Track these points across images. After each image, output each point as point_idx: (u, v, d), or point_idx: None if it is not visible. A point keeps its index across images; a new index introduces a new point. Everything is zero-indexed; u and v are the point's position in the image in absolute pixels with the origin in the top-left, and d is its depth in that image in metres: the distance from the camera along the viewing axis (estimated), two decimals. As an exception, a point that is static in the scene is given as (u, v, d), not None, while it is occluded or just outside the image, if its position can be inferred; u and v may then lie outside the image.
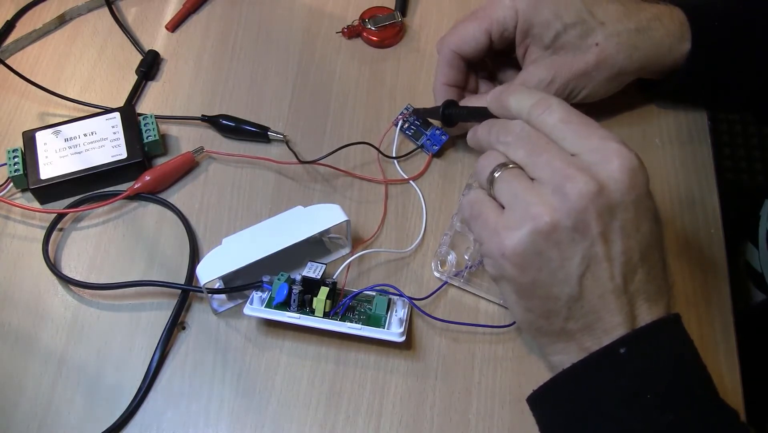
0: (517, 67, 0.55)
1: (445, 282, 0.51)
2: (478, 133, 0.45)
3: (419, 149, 0.57)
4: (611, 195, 0.38)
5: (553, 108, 0.41)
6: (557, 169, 0.39)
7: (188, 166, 0.56)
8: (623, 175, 0.38)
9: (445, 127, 0.54)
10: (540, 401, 0.42)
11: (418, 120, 0.57)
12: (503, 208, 0.41)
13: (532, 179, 0.40)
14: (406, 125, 0.57)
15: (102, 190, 0.55)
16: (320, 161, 0.55)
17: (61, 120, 0.56)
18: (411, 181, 0.55)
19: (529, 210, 0.39)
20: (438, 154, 0.57)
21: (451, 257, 0.51)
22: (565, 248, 0.38)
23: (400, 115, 0.57)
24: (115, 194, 0.54)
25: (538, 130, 0.41)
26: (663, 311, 0.40)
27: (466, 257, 0.51)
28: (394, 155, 0.56)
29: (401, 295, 0.49)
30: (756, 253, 0.69)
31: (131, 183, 0.54)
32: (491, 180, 0.42)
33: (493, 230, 0.40)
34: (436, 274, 0.51)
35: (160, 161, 0.56)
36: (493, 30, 0.52)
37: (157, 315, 0.50)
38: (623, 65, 0.52)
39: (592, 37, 0.51)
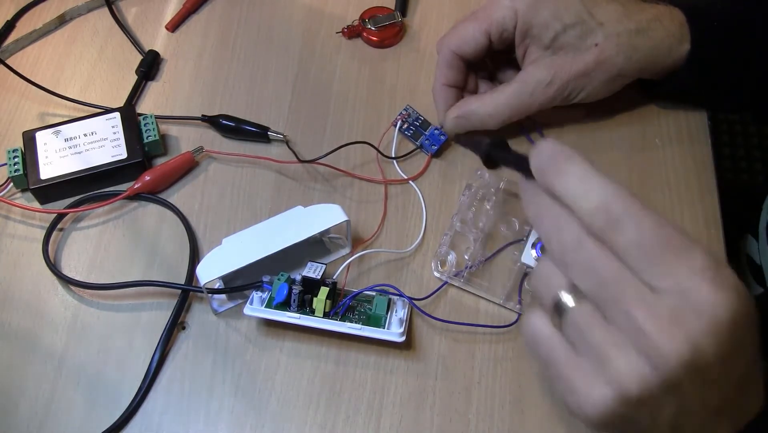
0: (517, 67, 0.55)
1: (445, 282, 0.51)
2: (528, 211, 0.37)
3: (418, 149, 0.57)
4: (708, 357, 0.31)
5: (624, 225, 0.32)
6: (639, 321, 0.31)
7: (188, 166, 0.56)
8: (721, 328, 0.30)
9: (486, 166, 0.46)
10: None
11: (417, 120, 0.57)
12: (574, 344, 0.34)
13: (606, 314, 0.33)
14: (405, 126, 0.57)
15: (102, 191, 0.55)
16: (320, 161, 0.55)
17: (61, 120, 0.56)
18: (411, 182, 0.55)
19: (611, 371, 0.32)
20: (437, 154, 0.56)
21: (451, 257, 0.51)
22: (656, 409, 0.33)
23: (399, 115, 0.57)
24: (115, 194, 0.54)
25: (603, 245, 0.33)
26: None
27: (466, 257, 0.51)
28: (393, 155, 0.56)
29: (401, 295, 0.49)
30: (756, 245, 0.69)
31: (131, 183, 0.54)
32: (558, 309, 0.34)
33: (569, 387, 0.34)
34: (436, 274, 0.51)
35: (160, 161, 0.56)
36: (492, 31, 0.52)
37: (157, 315, 0.50)
38: (623, 66, 0.52)
39: (591, 38, 0.51)
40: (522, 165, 0.38)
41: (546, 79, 0.51)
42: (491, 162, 0.43)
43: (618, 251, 0.32)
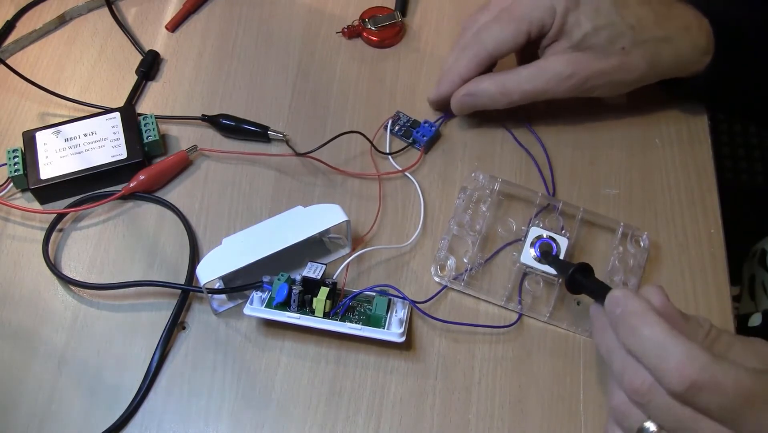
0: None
1: (445, 286, 0.51)
2: (599, 343, 0.41)
3: (410, 146, 0.57)
4: None
5: (702, 394, 0.34)
6: None
7: (182, 165, 0.56)
8: None
9: (568, 289, 0.47)
10: None
11: (407, 122, 0.57)
12: None
13: None
14: (396, 128, 0.57)
15: (102, 191, 0.55)
16: (317, 157, 0.55)
17: (61, 120, 0.56)
18: (406, 173, 0.55)
19: None
20: (431, 148, 0.57)
21: (451, 262, 0.51)
22: None
23: (390, 117, 0.57)
24: (111, 194, 0.54)
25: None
26: None
27: (465, 260, 0.51)
28: (387, 150, 0.57)
29: (403, 297, 0.49)
30: None
31: (131, 183, 0.55)
32: (640, 430, 0.37)
33: None
34: (436, 279, 0.51)
35: (160, 161, 0.56)
36: (532, 31, 0.51)
37: (157, 315, 0.50)
38: (644, 72, 0.51)
39: (619, 42, 0.51)
40: (599, 295, 0.41)
41: (566, 72, 0.51)
42: (574, 287, 0.45)
43: (698, 409, 0.34)
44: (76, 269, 0.52)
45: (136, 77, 0.61)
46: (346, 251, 0.52)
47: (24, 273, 0.52)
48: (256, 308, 0.47)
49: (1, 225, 0.54)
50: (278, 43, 0.63)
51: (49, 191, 0.54)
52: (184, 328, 0.50)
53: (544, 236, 0.50)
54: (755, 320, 0.68)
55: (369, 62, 0.62)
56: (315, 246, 0.52)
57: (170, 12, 0.65)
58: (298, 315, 0.46)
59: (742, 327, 0.69)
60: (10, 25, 0.64)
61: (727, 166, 1.41)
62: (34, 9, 0.65)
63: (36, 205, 0.55)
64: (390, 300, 0.48)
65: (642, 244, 0.51)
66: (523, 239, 0.51)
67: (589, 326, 0.49)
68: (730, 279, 0.51)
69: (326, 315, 0.47)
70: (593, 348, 0.49)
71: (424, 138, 0.56)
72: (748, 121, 1.35)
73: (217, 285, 0.49)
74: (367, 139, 0.56)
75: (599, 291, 0.41)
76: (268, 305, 0.47)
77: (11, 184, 0.54)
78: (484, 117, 0.58)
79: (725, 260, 0.52)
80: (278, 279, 0.47)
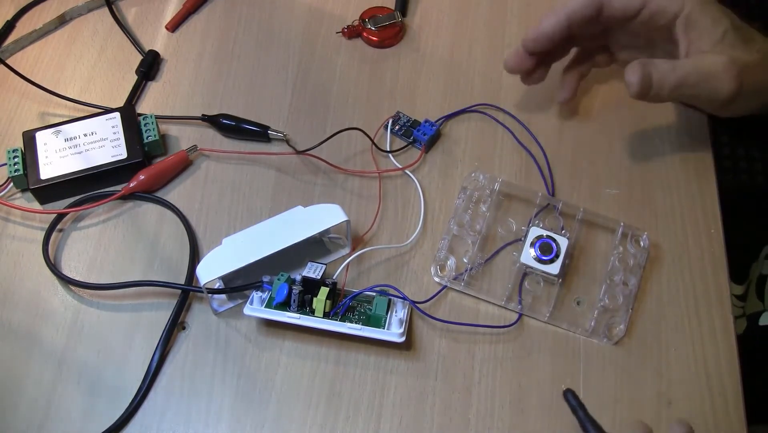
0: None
1: (445, 286, 0.51)
2: None
3: (410, 145, 0.57)
4: None
5: None
6: None
7: (182, 165, 0.56)
8: None
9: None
10: None
11: (407, 122, 0.57)
12: None
13: None
14: (396, 127, 0.57)
15: (102, 191, 0.55)
16: (317, 155, 0.55)
17: (61, 120, 0.56)
18: (406, 171, 0.55)
19: None
20: (431, 148, 0.57)
21: (451, 262, 0.51)
22: None
23: (390, 117, 0.57)
24: (111, 194, 0.54)
25: None
26: None
27: (465, 260, 0.51)
28: (388, 149, 0.57)
29: (403, 297, 0.49)
30: None
31: (131, 183, 0.55)
32: None
33: None
34: (436, 279, 0.51)
35: (160, 161, 0.56)
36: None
37: (157, 315, 0.50)
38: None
39: (752, 44, 0.50)
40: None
41: (728, 66, 0.49)
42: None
43: None
44: (76, 269, 0.52)
45: (136, 77, 0.61)
46: (346, 251, 0.52)
47: (24, 273, 0.52)
48: (256, 308, 0.47)
49: (1, 225, 0.54)
50: (278, 43, 0.63)
51: (49, 191, 0.54)
52: (184, 328, 0.50)
53: (544, 235, 0.50)
54: (766, 318, 0.68)
55: (369, 62, 0.62)
56: (315, 246, 0.52)
57: (170, 12, 0.65)
58: (298, 315, 0.46)
59: (752, 326, 0.68)
60: (10, 25, 0.64)
61: (727, 166, 1.41)
62: (34, 9, 0.65)
63: (36, 205, 0.55)
64: (390, 300, 0.48)
65: (642, 244, 0.51)
66: (523, 238, 0.51)
67: (589, 326, 0.49)
68: (732, 278, 0.51)
69: (326, 315, 0.47)
70: (593, 348, 0.49)
71: (425, 137, 0.56)
72: None
73: (217, 285, 0.49)
74: (367, 135, 0.56)
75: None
76: (268, 305, 0.47)
77: (11, 184, 0.54)
78: (484, 117, 0.58)
79: (725, 259, 0.52)
80: (278, 279, 0.47)
